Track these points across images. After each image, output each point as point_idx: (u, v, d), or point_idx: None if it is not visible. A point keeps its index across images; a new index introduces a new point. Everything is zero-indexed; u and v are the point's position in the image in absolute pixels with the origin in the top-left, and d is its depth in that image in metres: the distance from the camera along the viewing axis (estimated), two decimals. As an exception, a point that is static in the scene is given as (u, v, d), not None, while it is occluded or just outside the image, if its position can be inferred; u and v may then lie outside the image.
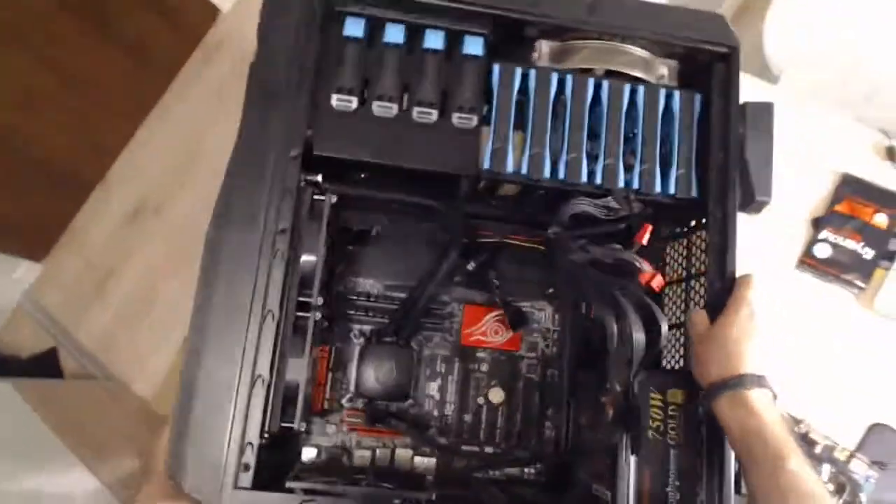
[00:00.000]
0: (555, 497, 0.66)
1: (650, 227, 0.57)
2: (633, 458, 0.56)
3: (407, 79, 0.59)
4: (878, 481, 0.73)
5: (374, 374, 0.64)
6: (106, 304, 1.63)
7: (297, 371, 0.54)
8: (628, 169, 0.60)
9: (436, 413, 0.68)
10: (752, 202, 0.58)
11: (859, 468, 0.73)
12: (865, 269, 0.78)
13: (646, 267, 0.55)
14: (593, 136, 0.60)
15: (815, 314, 0.80)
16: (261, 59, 0.56)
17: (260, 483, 0.50)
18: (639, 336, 0.52)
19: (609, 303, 0.54)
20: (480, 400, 0.68)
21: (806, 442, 0.75)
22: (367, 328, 0.68)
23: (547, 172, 0.59)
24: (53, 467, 1.22)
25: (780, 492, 0.46)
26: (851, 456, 0.74)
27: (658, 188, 0.59)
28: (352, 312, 0.68)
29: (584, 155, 0.59)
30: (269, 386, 0.51)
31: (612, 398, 0.57)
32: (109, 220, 1.72)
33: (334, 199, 0.58)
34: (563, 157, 0.59)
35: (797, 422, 0.76)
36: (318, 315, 0.55)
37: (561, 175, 0.59)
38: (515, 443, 0.68)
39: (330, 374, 0.66)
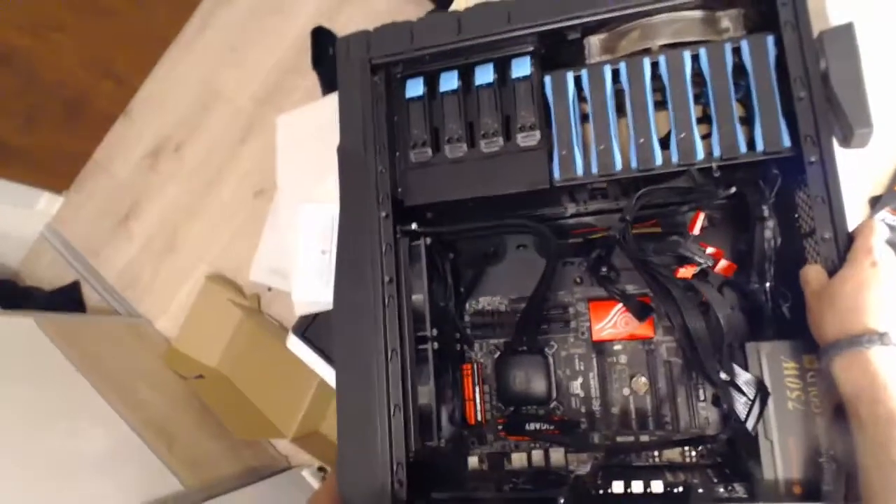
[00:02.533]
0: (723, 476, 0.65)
1: (702, 214, 0.54)
2: (775, 434, 0.53)
3: (469, 116, 0.64)
4: None
5: (510, 384, 0.70)
6: (128, 239, 1.71)
7: (426, 396, 0.62)
8: (706, 138, 0.57)
9: (583, 410, 0.71)
10: (851, 136, 0.51)
11: None
12: None
13: (700, 259, 0.53)
14: (664, 113, 0.59)
15: None
16: (344, 141, 0.66)
17: (418, 495, 0.59)
18: (725, 315, 0.50)
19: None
20: (626, 391, 0.70)
21: None
22: (500, 342, 0.73)
23: (619, 165, 0.59)
24: (75, 404, 1.23)
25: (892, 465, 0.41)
26: None
27: (743, 149, 0.56)
28: (485, 330, 0.74)
29: (654, 137, 0.58)
30: (405, 412, 0.60)
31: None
32: (131, 155, 1.81)
33: (429, 241, 0.65)
34: (633, 145, 0.59)
35: None
36: (435, 345, 0.63)
37: (634, 164, 0.59)
38: (672, 427, 0.68)
39: (477, 389, 0.73)
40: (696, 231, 0.56)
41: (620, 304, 0.70)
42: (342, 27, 1.70)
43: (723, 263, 0.55)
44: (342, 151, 0.66)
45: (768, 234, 0.59)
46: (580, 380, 0.71)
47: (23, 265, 1.94)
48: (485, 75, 0.63)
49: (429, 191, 0.65)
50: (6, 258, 1.88)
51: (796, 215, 0.58)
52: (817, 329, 0.50)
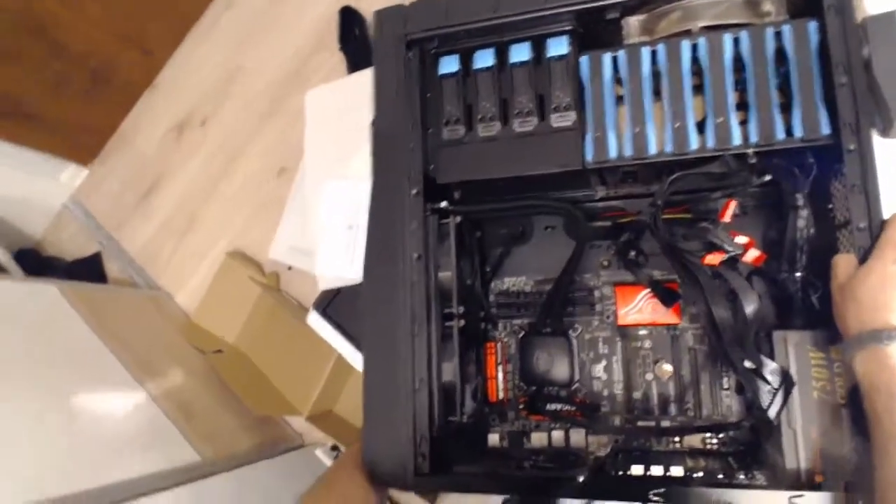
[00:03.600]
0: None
1: (734, 202, 0.54)
2: (799, 423, 0.53)
3: (503, 95, 0.64)
4: None
5: (534, 364, 0.70)
6: (151, 213, 1.72)
7: (451, 372, 0.62)
8: (743, 123, 0.57)
9: (605, 393, 0.71)
10: (891, 127, 0.51)
11: None
12: None
13: (728, 247, 0.53)
14: (701, 98, 0.59)
15: None
16: (377, 117, 0.66)
17: (440, 468, 0.60)
18: (751, 303, 0.50)
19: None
20: (649, 376, 0.70)
21: None
22: (525, 322, 0.74)
23: (653, 148, 0.59)
24: (96, 371, 1.24)
25: None
26: None
27: (781, 134, 0.55)
28: (509, 310, 0.75)
29: (690, 121, 0.58)
30: (429, 388, 0.60)
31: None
32: (156, 128, 1.81)
33: (458, 219, 0.66)
34: (669, 128, 0.59)
35: None
36: (461, 322, 0.63)
37: (668, 147, 0.58)
38: (693, 414, 0.68)
39: (500, 368, 0.74)
40: (727, 219, 0.55)
41: (647, 290, 0.70)
42: (368, 6, 1.69)
43: (753, 253, 0.55)
44: (375, 127, 0.66)
45: (801, 223, 0.58)
46: (603, 363, 0.71)
47: (46, 235, 1.96)
48: (521, 53, 0.63)
49: (460, 169, 0.65)
50: (30, 228, 1.90)
51: (830, 206, 0.58)
52: (840, 321, 0.50)
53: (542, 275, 0.75)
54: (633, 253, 0.69)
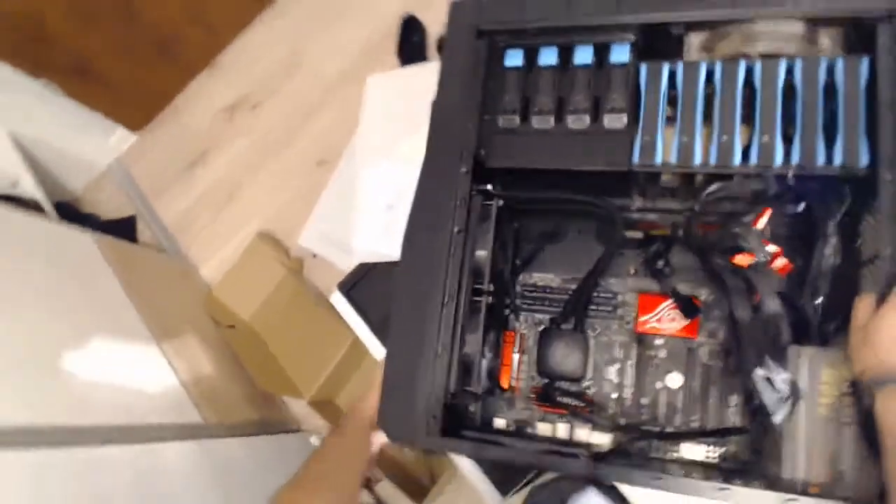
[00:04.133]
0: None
1: (769, 211, 0.56)
2: (802, 436, 0.55)
3: (561, 92, 0.68)
4: None
5: (550, 357, 0.72)
6: (191, 186, 1.79)
7: (473, 344, 0.65)
8: (787, 142, 0.60)
9: (614, 395, 0.72)
10: (929, 163, 0.53)
11: None
12: None
13: (758, 251, 0.55)
14: (750, 118, 0.62)
15: None
16: (439, 96, 0.70)
17: (450, 433, 0.62)
18: (772, 309, 0.52)
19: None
20: (659, 384, 0.71)
21: None
22: (546, 317, 0.76)
23: (698, 159, 0.62)
24: (117, 323, 1.29)
25: None
26: None
27: (821, 160, 0.58)
28: (533, 303, 0.77)
29: (737, 137, 0.61)
30: (450, 355, 0.63)
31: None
32: (209, 106, 1.88)
33: (500, 202, 0.69)
34: (715, 142, 0.61)
35: None
36: (490, 299, 0.66)
37: (713, 160, 0.61)
38: (699, 426, 0.69)
39: (516, 357, 0.76)
40: (760, 226, 0.58)
41: (669, 301, 0.72)
42: (432, 18, 1.75)
43: (780, 262, 0.57)
44: (436, 106, 0.70)
45: (829, 251, 0.61)
46: (617, 366, 0.73)
47: (86, 192, 2.02)
48: (584, 56, 0.67)
49: (511, 156, 0.68)
50: (72, 182, 1.97)
51: (858, 242, 0.60)
52: (857, 361, 0.52)
53: (569, 275, 0.77)
54: (660, 263, 0.71)
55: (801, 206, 0.63)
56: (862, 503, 0.51)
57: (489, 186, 0.69)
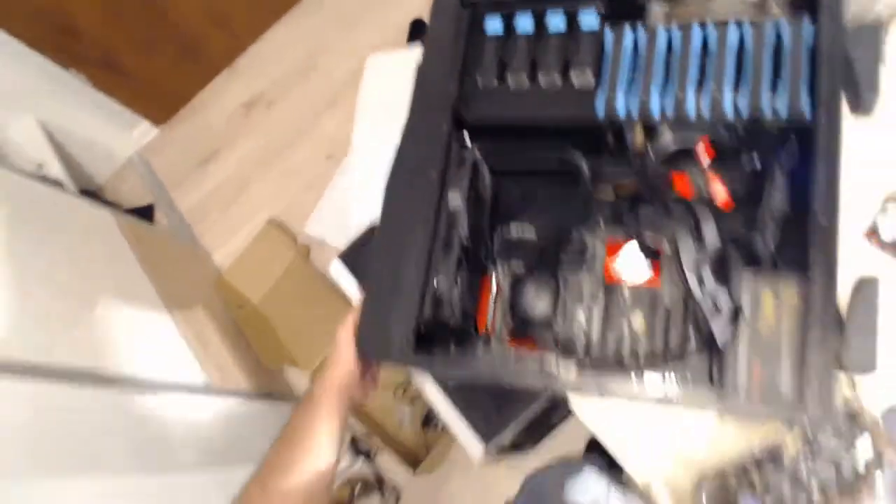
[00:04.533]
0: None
1: (707, 142, 0.62)
2: (743, 353, 0.60)
3: (535, 56, 0.74)
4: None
5: (522, 301, 0.78)
6: (205, 179, 1.92)
7: (446, 279, 0.71)
8: (736, 100, 0.66)
9: (582, 336, 0.78)
10: (859, 102, 0.59)
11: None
12: None
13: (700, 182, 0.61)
14: (704, 76, 0.68)
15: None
16: (424, 62, 0.77)
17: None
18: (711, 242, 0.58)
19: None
20: (624, 328, 0.77)
21: (855, 419, 0.68)
22: (522, 266, 0.82)
23: (656, 112, 0.68)
24: (133, 293, 1.37)
25: None
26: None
27: (768, 112, 0.64)
28: (510, 254, 0.83)
29: (691, 93, 0.67)
30: (423, 286, 0.69)
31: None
32: (227, 104, 2.02)
33: (477, 153, 0.75)
34: (671, 96, 0.68)
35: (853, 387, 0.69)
36: (465, 239, 0.72)
37: (670, 112, 0.67)
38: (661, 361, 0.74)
39: (492, 303, 0.82)
40: (704, 162, 0.64)
41: (636, 248, 0.78)
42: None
43: (721, 195, 0.63)
44: (420, 70, 0.77)
45: (777, 194, 0.66)
46: (585, 310, 0.79)
47: (108, 182, 2.12)
48: (557, 23, 0.74)
49: (488, 112, 0.75)
50: (96, 172, 2.07)
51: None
52: None
53: (545, 228, 0.83)
54: (627, 209, 0.77)
55: (753, 158, 0.69)
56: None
57: (467, 137, 0.76)
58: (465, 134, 0.76)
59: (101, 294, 1.26)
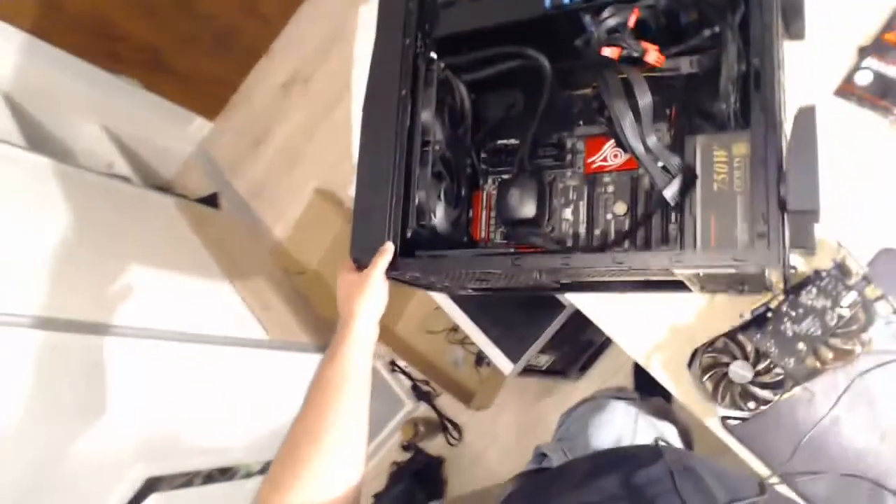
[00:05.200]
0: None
1: (637, 11, 0.62)
2: (699, 210, 0.61)
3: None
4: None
5: (508, 203, 0.80)
6: (258, 159, 2.04)
7: (426, 185, 0.75)
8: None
9: (571, 231, 0.80)
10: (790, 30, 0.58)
11: (884, 309, 0.66)
12: None
13: (627, 46, 0.61)
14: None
15: (846, 139, 0.72)
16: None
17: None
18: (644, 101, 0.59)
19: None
20: (609, 216, 0.78)
21: (841, 271, 0.65)
22: (508, 171, 0.85)
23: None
24: (195, 271, 1.49)
25: None
26: (882, 297, 0.65)
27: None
28: (498, 165, 0.86)
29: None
30: (406, 195, 0.74)
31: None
32: (269, 87, 2.15)
33: (443, 66, 0.79)
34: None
35: (840, 247, 0.67)
36: (437, 147, 0.76)
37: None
38: (645, 244, 0.75)
39: (484, 212, 0.85)
40: (632, 24, 0.64)
41: (612, 141, 0.79)
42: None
43: (653, 55, 0.63)
44: (384, -7, 0.81)
45: (732, 56, 0.65)
46: (571, 207, 0.81)
47: (176, 177, 2.30)
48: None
49: (450, 23, 0.78)
50: (163, 170, 2.25)
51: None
52: None
53: (527, 137, 0.85)
54: (596, 105, 0.78)
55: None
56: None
57: (433, 54, 0.79)
58: (431, 50, 0.79)
59: (165, 269, 1.40)
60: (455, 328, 1.63)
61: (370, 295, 0.72)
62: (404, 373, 1.77)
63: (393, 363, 1.76)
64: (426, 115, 0.78)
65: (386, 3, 0.81)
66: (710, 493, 0.52)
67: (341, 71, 2.06)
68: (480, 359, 1.60)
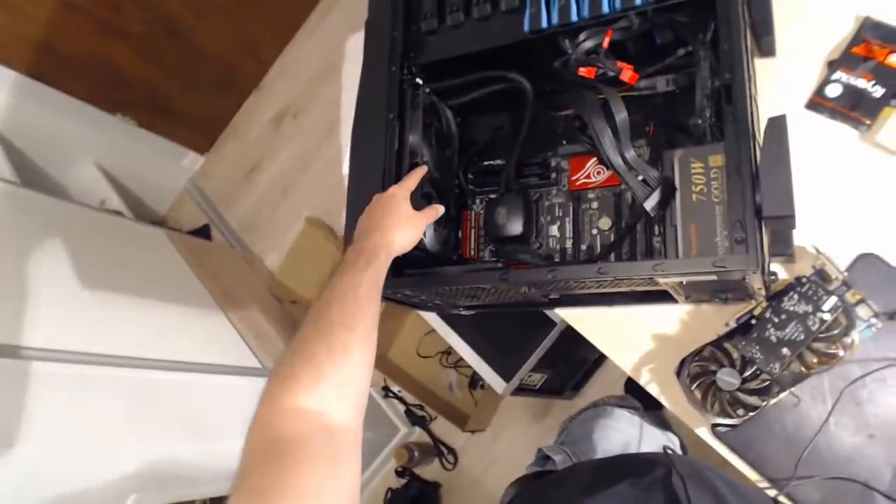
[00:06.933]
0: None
1: (611, 33, 0.65)
2: (679, 221, 0.63)
3: (467, -8, 0.80)
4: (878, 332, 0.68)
5: (495, 221, 0.82)
6: (250, 192, 2.09)
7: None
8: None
9: (558, 247, 0.82)
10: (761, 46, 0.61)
11: (864, 312, 0.68)
12: (873, 107, 0.72)
13: (602, 66, 0.64)
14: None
15: (820, 150, 0.75)
16: (371, 15, 0.84)
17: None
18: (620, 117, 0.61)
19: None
20: (594, 231, 0.80)
21: (821, 277, 0.68)
22: (495, 191, 0.87)
23: (574, 16, 0.72)
24: (190, 301, 1.50)
25: None
26: (862, 300, 0.68)
27: (674, -9, 0.67)
28: (484, 184, 0.88)
29: (604, -8, 0.71)
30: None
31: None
32: (260, 121, 2.19)
33: (428, 91, 0.81)
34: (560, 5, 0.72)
35: (819, 254, 0.69)
36: (429, 168, 0.78)
37: (586, 13, 0.71)
38: (628, 258, 0.77)
39: (473, 231, 0.87)
40: (606, 45, 0.67)
41: (594, 158, 0.81)
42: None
43: (627, 73, 0.66)
44: (368, 24, 0.84)
45: (705, 73, 0.68)
46: (557, 224, 0.83)
47: (169, 212, 2.32)
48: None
49: (433, 51, 0.81)
50: (157, 204, 2.27)
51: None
52: None
53: (514, 157, 0.87)
54: (578, 124, 0.81)
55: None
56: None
57: (418, 80, 0.82)
58: (418, 77, 0.81)
59: (159, 300, 1.40)
60: (448, 351, 1.63)
61: (411, 224, 0.69)
62: (398, 398, 1.77)
63: (386, 388, 1.75)
64: (413, 138, 0.80)
65: (372, 33, 0.84)
66: (724, 501, 0.52)
67: (331, 103, 2.10)
68: (475, 381, 1.60)
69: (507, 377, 1.09)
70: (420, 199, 0.78)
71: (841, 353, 0.67)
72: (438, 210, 0.76)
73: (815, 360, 0.68)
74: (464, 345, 1.15)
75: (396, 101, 0.79)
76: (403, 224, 0.70)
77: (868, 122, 0.72)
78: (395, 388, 1.74)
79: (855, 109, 0.74)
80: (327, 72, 2.14)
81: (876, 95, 0.72)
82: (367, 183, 0.78)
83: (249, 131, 2.25)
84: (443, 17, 0.81)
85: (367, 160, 0.79)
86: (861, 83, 0.73)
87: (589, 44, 0.70)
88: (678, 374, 0.75)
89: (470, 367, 1.53)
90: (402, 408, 1.74)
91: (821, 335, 0.67)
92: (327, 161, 2.06)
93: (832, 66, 0.75)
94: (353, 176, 0.80)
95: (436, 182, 0.82)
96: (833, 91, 0.74)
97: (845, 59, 0.74)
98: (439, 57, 0.81)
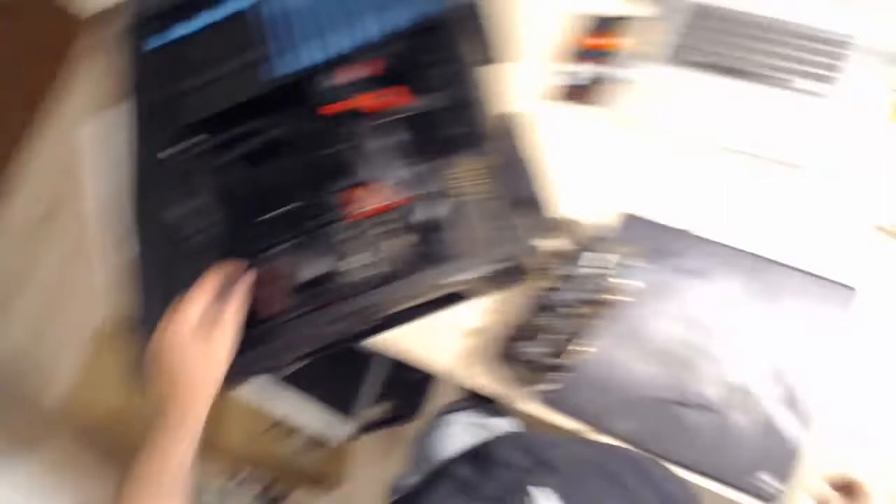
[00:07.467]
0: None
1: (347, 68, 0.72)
2: (458, 223, 0.68)
3: (203, 53, 0.80)
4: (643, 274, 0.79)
5: (295, 269, 0.82)
6: (12, 319, 1.87)
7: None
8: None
9: (362, 276, 0.83)
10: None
11: (633, 261, 0.78)
12: (602, 87, 0.88)
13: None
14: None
15: (566, 135, 0.88)
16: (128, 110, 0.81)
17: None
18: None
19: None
20: (389, 251, 0.83)
21: (593, 240, 0.79)
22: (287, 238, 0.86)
23: (308, 62, 0.76)
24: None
25: None
26: (628, 252, 0.78)
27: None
28: (274, 232, 0.87)
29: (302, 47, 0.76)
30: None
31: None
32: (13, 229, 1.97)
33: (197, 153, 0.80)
34: (318, 45, 0.76)
35: (573, 221, 0.82)
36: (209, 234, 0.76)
37: (320, 57, 0.75)
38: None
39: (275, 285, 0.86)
40: (340, 80, 0.74)
41: (376, 183, 0.84)
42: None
43: (369, 101, 0.73)
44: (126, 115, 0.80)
45: (455, 87, 0.75)
46: (355, 254, 0.83)
47: None
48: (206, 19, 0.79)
49: (187, 114, 0.80)
50: None
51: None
52: None
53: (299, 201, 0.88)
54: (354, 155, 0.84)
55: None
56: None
57: (182, 145, 0.79)
58: (181, 140, 0.79)
59: None
60: (279, 422, 1.56)
61: (213, 367, 0.64)
62: (247, 482, 1.64)
63: (233, 475, 1.63)
64: (175, 210, 0.77)
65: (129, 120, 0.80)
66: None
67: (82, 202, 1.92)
68: (318, 438, 1.54)
69: (346, 419, 1.08)
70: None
71: (621, 297, 0.77)
72: (239, 303, 0.70)
73: (602, 310, 0.77)
74: (294, 404, 1.12)
75: (160, 179, 0.76)
76: (202, 377, 0.64)
77: (600, 102, 0.87)
78: (240, 475, 1.62)
79: (588, 93, 0.88)
80: (69, 171, 1.95)
81: (605, 76, 0.88)
82: (149, 267, 0.74)
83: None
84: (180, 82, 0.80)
85: (146, 242, 0.75)
86: (586, 70, 0.89)
87: (334, 82, 0.74)
88: (493, 361, 0.81)
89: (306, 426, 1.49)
90: (253, 492, 1.62)
91: (603, 285, 0.77)
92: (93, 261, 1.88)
93: (560, 59, 0.89)
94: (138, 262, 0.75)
95: (222, 245, 0.80)
96: (563, 81, 0.88)
97: (570, 52, 0.90)
98: (192, 119, 0.79)
